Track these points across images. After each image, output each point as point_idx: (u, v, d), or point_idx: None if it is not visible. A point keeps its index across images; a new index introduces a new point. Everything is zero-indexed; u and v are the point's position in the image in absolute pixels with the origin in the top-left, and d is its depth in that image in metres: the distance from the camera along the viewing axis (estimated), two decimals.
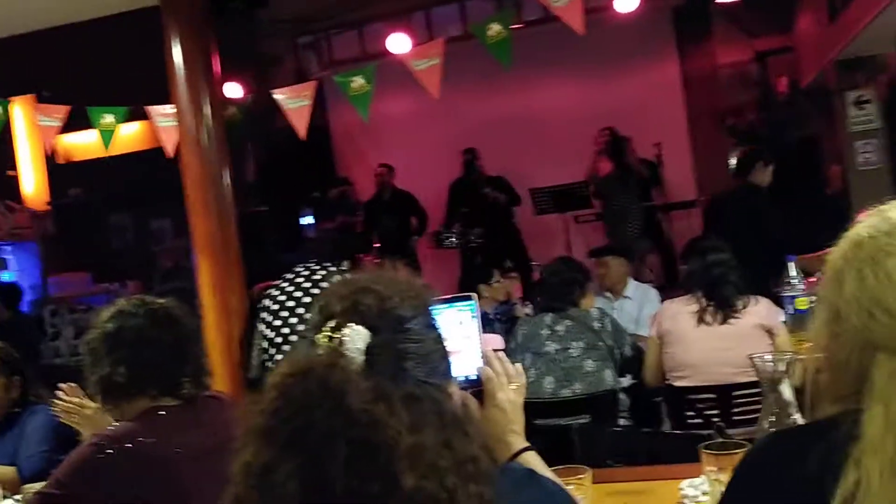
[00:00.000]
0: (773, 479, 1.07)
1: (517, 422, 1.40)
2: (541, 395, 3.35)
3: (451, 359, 1.10)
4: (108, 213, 9.39)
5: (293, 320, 3.30)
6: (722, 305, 3.28)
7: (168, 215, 9.08)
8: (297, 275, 3.40)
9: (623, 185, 7.49)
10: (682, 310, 3.37)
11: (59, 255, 8.95)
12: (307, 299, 3.31)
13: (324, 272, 3.42)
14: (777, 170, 5.26)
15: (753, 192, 5.25)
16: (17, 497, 2.49)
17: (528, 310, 4.41)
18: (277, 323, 3.30)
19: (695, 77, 8.51)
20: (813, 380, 1.13)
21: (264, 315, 3.34)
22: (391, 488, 0.84)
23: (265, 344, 3.32)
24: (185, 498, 1.97)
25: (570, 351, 3.41)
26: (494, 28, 3.42)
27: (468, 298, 1.38)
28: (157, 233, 9.30)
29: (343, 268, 3.41)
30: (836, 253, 1.11)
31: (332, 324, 0.99)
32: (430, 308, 1.10)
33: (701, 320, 3.29)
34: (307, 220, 8.95)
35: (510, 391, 1.40)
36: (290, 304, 3.34)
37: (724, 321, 3.27)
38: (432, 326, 1.08)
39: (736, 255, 3.42)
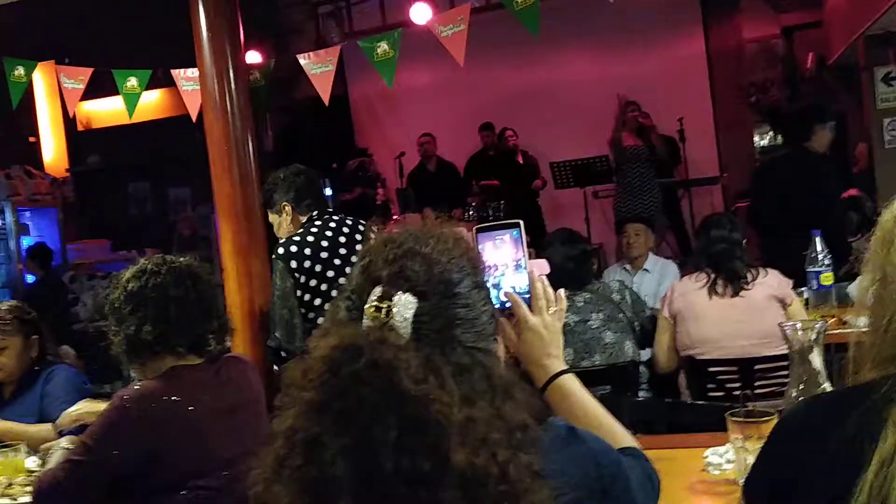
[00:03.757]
0: (810, 441, 1.06)
1: (555, 345, 1.39)
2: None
3: (496, 315, 1.08)
4: (127, 181, 9.43)
5: (329, 273, 3.27)
6: (731, 277, 3.26)
7: (187, 184, 9.11)
8: (325, 224, 3.34)
9: (642, 160, 7.41)
10: (692, 287, 3.34)
11: (79, 222, 9.02)
12: (342, 250, 3.30)
13: (350, 222, 3.41)
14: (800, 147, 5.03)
15: (809, 158, 4.66)
16: (39, 454, 2.52)
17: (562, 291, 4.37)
18: (306, 278, 3.24)
19: (720, 52, 8.39)
20: (856, 344, 1.11)
21: (291, 264, 3.26)
22: (442, 466, 0.82)
23: (294, 301, 3.26)
24: (209, 453, 1.99)
25: (589, 323, 3.36)
26: None
27: (516, 225, 1.39)
28: (175, 201, 9.34)
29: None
30: (885, 216, 1.10)
31: (378, 292, 0.97)
32: (477, 267, 1.07)
33: (713, 292, 3.27)
34: (326, 190, 8.94)
35: (547, 315, 1.39)
36: (323, 255, 3.28)
37: (735, 293, 3.25)
38: (480, 286, 1.05)
39: (789, 231, 3.32)
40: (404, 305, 0.94)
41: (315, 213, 3.41)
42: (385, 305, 0.94)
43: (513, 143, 8.15)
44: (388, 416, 0.82)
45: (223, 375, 2.11)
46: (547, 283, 1.42)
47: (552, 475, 0.95)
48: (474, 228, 1.42)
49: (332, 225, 3.38)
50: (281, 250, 3.28)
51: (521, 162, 8.12)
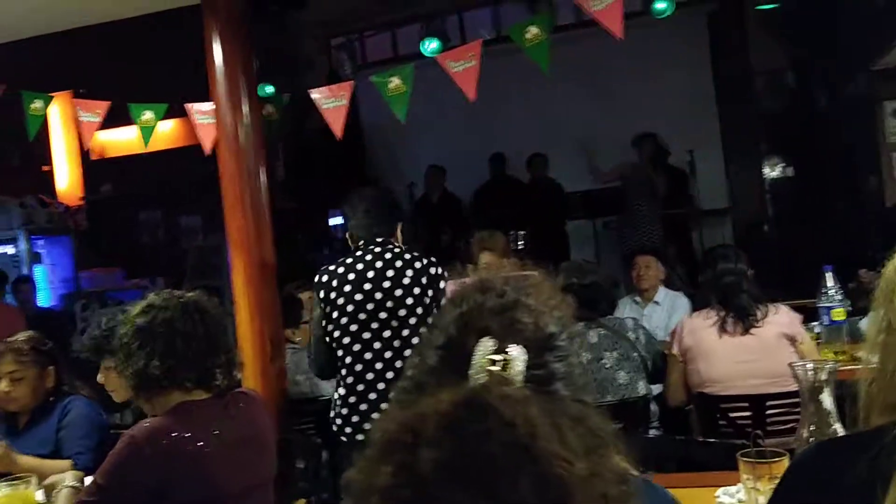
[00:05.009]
0: (821, 485, 1.06)
1: None
2: None
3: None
4: (139, 210, 9.50)
5: (349, 307, 3.11)
6: (740, 315, 3.24)
7: (198, 212, 9.17)
8: (361, 256, 3.15)
9: (647, 191, 7.44)
10: (702, 324, 3.32)
11: (92, 250, 9.07)
12: (368, 285, 3.10)
13: (391, 249, 3.18)
14: (810, 180, 5.10)
15: None
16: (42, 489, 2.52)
17: None
18: (330, 309, 3.13)
19: (730, 84, 8.44)
20: (866, 391, 1.12)
21: (319, 294, 3.16)
22: None
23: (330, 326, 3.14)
24: (217, 489, 2.00)
25: (602, 361, 3.33)
26: (532, 31, 3.40)
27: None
28: (187, 229, 9.39)
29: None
30: (890, 265, 1.12)
31: (491, 345, 0.94)
32: (570, 317, 1.06)
33: (723, 331, 3.25)
34: (336, 219, 9.00)
35: None
36: (346, 287, 3.11)
37: (745, 331, 3.22)
38: (573, 337, 1.04)
39: None
40: (519, 358, 0.92)
41: (361, 241, 3.21)
42: (501, 358, 0.92)
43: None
44: (519, 474, 0.78)
45: (231, 410, 2.12)
46: None
47: None
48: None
49: (368, 257, 3.15)
50: (315, 278, 3.22)
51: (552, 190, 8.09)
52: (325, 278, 3.19)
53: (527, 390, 0.88)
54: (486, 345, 0.94)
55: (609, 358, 3.32)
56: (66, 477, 2.43)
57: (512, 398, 0.83)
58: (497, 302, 1.01)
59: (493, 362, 0.92)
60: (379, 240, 3.20)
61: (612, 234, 8.06)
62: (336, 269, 3.19)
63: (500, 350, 0.93)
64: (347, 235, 3.32)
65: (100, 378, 2.71)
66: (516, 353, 0.93)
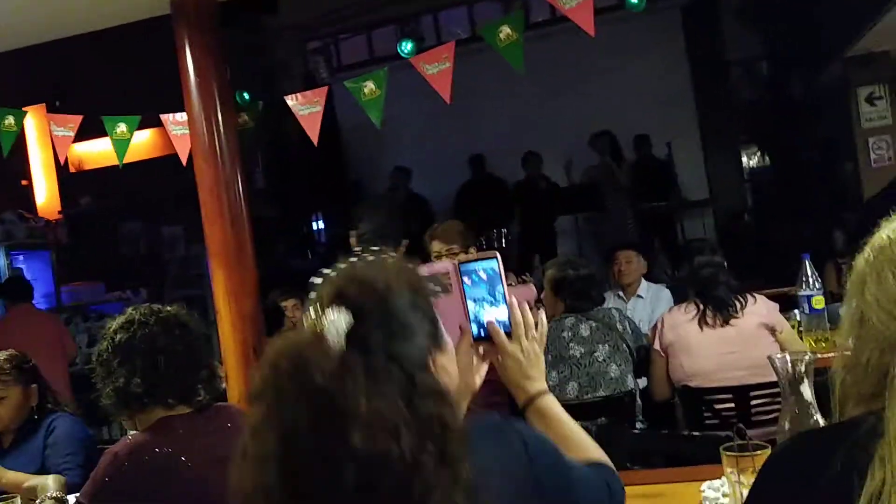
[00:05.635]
0: (798, 478, 1.07)
1: (534, 368, 1.45)
2: (563, 399, 3.33)
3: (440, 333, 1.17)
4: (119, 222, 9.44)
5: None
6: (719, 307, 3.27)
7: (179, 223, 9.11)
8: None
9: (612, 187, 7.51)
10: (682, 318, 3.34)
11: (72, 263, 8.99)
12: None
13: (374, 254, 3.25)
14: (788, 168, 5.15)
15: None
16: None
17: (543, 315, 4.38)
18: None
19: (705, 75, 8.48)
20: (840, 383, 1.13)
21: None
22: (345, 447, 0.94)
23: None
24: (202, 502, 1.98)
25: (595, 355, 3.35)
26: (505, 31, 3.40)
27: (492, 257, 1.43)
28: (168, 240, 9.33)
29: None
30: (860, 256, 1.12)
31: (318, 308, 1.08)
32: (416, 287, 1.15)
33: (703, 323, 3.27)
34: (319, 224, 8.97)
35: (525, 341, 1.44)
36: None
37: (725, 322, 3.25)
38: (417, 306, 1.13)
39: None
40: (338, 320, 1.04)
41: (360, 249, 3.24)
42: (320, 320, 1.05)
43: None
44: (301, 403, 0.97)
45: (214, 424, 2.10)
46: (528, 309, 1.45)
47: (478, 463, 1.02)
48: (456, 262, 1.47)
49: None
50: (312, 280, 3.18)
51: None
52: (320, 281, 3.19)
53: (339, 346, 1.01)
54: (317, 306, 1.08)
55: (601, 351, 3.34)
56: (49, 485, 2.41)
57: (313, 347, 1.00)
58: (338, 275, 1.15)
59: (315, 323, 1.05)
60: (375, 249, 3.19)
61: (595, 230, 8.09)
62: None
63: (322, 311, 1.06)
64: (353, 241, 3.33)
65: None
66: (336, 315, 1.03)
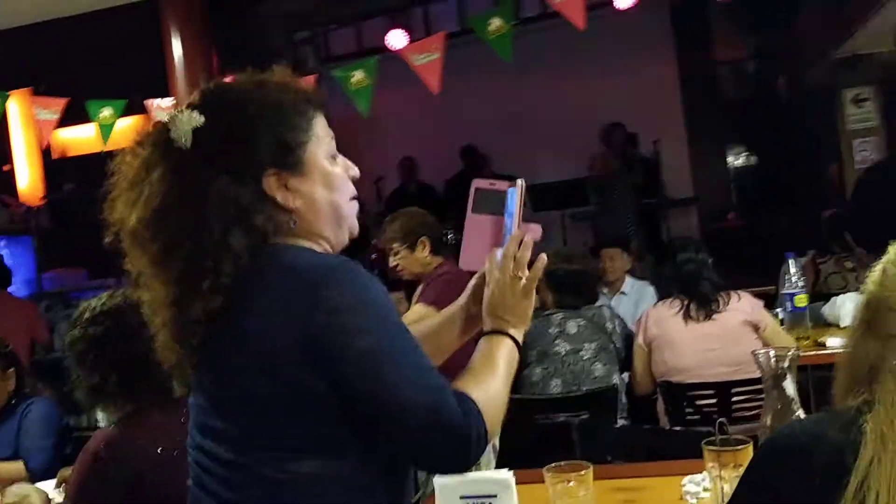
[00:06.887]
0: (794, 462, 1.08)
1: (507, 310, 1.34)
2: (547, 395, 3.33)
3: (293, 158, 1.27)
4: (103, 208, 9.35)
5: None
6: (702, 302, 3.28)
7: None
8: None
9: (623, 181, 7.50)
10: (666, 314, 3.35)
11: (54, 250, 8.91)
12: None
13: None
14: (774, 168, 5.19)
15: None
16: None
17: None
18: None
19: (693, 74, 8.50)
20: (840, 379, 1.15)
21: None
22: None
23: None
24: (182, 492, 1.96)
25: (581, 353, 3.34)
26: (495, 23, 3.40)
27: (512, 186, 1.39)
28: None
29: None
30: (870, 280, 1.15)
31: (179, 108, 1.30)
32: (279, 114, 1.27)
33: (687, 318, 3.29)
34: None
35: (507, 275, 1.34)
36: None
37: (707, 317, 3.27)
38: (270, 128, 1.25)
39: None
40: (188, 119, 1.25)
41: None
42: (177, 116, 1.28)
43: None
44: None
45: (186, 407, 2.07)
46: (529, 245, 1.36)
47: (256, 293, 1.17)
48: (473, 182, 1.42)
49: None
50: None
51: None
52: None
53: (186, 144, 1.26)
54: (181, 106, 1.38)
55: (587, 350, 3.34)
56: (31, 496, 2.36)
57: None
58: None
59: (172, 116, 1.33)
60: None
61: (580, 226, 8.09)
62: None
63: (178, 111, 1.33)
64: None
65: None
66: (189, 116, 1.28)
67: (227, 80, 1.39)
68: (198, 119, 1.24)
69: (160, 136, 1.27)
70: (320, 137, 1.33)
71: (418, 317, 3.07)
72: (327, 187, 1.31)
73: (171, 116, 1.27)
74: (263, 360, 1.15)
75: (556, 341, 3.37)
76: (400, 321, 1.22)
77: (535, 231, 1.38)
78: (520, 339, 1.36)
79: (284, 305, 1.15)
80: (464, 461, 1.18)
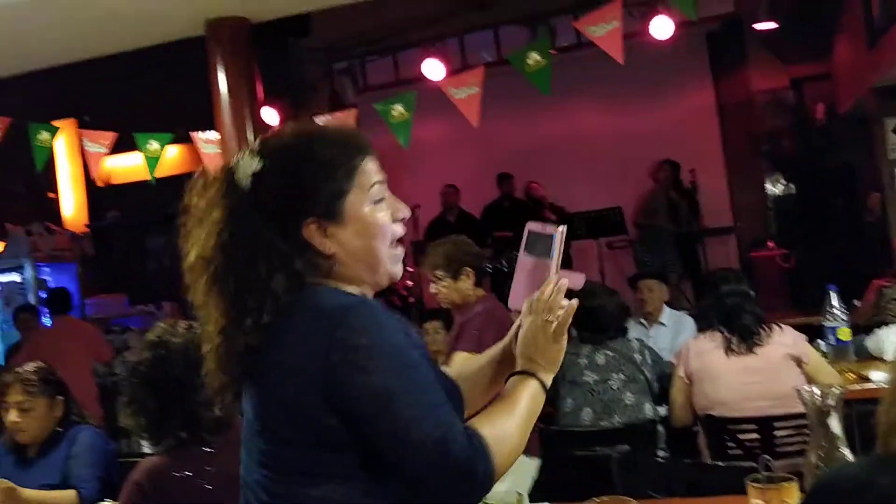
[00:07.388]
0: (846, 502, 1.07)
1: (538, 351, 1.38)
2: (579, 425, 3.32)
3: (334, 208, 1.33)
4: (144, 236, 9.53)
5: None
6: (745, 335, 3.24)
7: None
8: None
9: (668, 213, 7.51)
10: (707, 346, 3.31)
11: (97, 276, 9.09)
12: None
13: None
14: (813, 197, 5.12)
15: None
16: None
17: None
18: None
19: (730, 103, 8.48)
20: (886, 414, 1.14)
21: None
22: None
23: None
24: None
25: (609, 383, 3.34)
26: (533, 57, 3.44)
27: (555, 232, 1.43)
28: None
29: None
30: None
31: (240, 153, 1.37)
32: (328, 163, 1.33)
33: (729, 351, 3.24)
34: None
35: (538, 320, 1.39)
36: None
37: (749, 350, 3.23)
38: (314, 176, 1.32)
39: None
40: (248, 163, 1.32)
41: None
42: (240, 159, 1.35)
43: (540, 195, 8.20)
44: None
45: (232, 438, 2.10)
46: (562, 290, 1.41)
47: (287, 330, 1.23)
48: (527, 224, 1.47)
49: None
50: None
51: (551, 212, 8.13)
52: None
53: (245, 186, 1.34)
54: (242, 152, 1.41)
55: (616, 380, 3.33)
56: None
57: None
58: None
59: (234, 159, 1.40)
60: None
61: (616, 253, 8.06)
62: None
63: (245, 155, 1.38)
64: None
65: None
66: (249, 161, 1.35)
67: (287, 128, 1.42)
68: (257, 165, 1.32)
69: (226, 177, 1.33)
70: (363, 186, 1.36)
71: (463, 363, 3.09)
72: (365, 235, 1.35)
73: (236, 160, 1.35)
74: (286, 392, 1.23)
75: (585, 371, 3.37)
76: (413, 357, 1.25)
77: (576, 279, 1.43)
78: (548, 382, 1.40)
79: (305, 343, 1.22)
80: (468, 497, 1.22)
